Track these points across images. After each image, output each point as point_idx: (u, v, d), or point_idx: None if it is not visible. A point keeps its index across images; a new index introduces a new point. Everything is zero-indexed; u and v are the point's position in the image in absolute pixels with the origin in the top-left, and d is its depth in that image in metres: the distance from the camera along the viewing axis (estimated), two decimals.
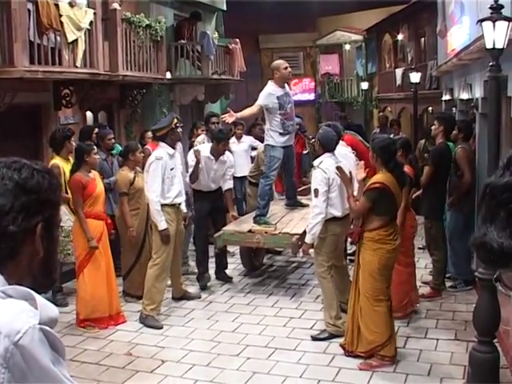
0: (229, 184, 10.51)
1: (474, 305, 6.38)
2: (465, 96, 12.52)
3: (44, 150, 11.95)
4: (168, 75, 16.07)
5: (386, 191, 6.85)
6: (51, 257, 1.98)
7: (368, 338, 6.99)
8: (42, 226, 1.89)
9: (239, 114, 9.75)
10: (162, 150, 8.70)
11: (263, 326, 8.45)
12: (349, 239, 9.44)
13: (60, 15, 10.96)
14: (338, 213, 7.85)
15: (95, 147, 8.82)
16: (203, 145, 10.65)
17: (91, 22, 11.97)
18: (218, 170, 10.16)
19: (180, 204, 9.02)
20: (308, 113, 32.07)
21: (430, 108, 22.12)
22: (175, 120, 8.85)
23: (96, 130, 11.24)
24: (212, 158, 10.02)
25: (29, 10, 10.46)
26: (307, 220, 9.67)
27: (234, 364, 7.20)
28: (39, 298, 1.77)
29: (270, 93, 9.74)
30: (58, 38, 11.15)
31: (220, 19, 21.95)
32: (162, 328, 8.39)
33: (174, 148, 8.82)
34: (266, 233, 9.59)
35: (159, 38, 15.26)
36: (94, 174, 8.69)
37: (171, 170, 8.67)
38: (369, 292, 6.96)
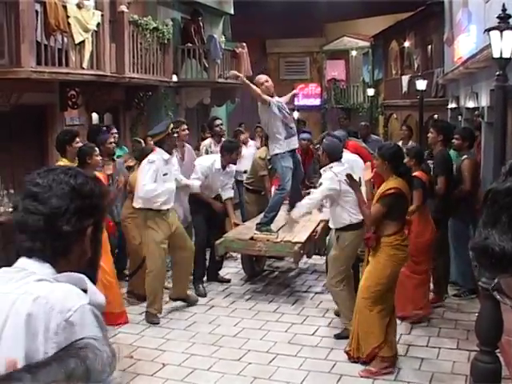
0: (229, 193, 10.52)
1: (476, 314, 6.35)
2: (471, 104, 12.52)
3: (49, 150, 11.97)
4: (174, 78, 16.10)
5: (401, 196, 6.87)
6: (97, 258, 2.19)
7: (366, 340, 7.00)
8: (92, 229, 2.09)
9: (248, 82, 9.82)
10: (157, 154, 8.66)
11: (265, 331, 8.43)
12: None
13: (67, 16, 11.01)
14: (353, 219, 7.81)
15: (97, 149, 8.65)
16: (211, 155, 10.68)
17: (98, 24, 12.02)
18: (223, 181, 10.28)
19: (168, 210, 8.81)
20: (313, 118, 32.13)
21: (436, 116, 22.10)
22: (171, 125, 8.83)
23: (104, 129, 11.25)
24: (221, 169, 10.12)
25: (36, 11, 10.50)
26: (309, 228, 9.66)
27: (235, 369, 7.18)
28: (90, 285, 1.99)
29: (274, 102, 9.60)
30: (65, 39, 11.20)
31: (227, 23, 22.00)
32: (158, 323, 8.59)
33: (170, 154, 8.77)
34: (267, 241, 9.48)
35: (166, 41, 15.30)
36: (98, 175, 8.61)
37: (164, 175, 8.63)
38: (368, 294, 6.95)
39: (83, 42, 11.52)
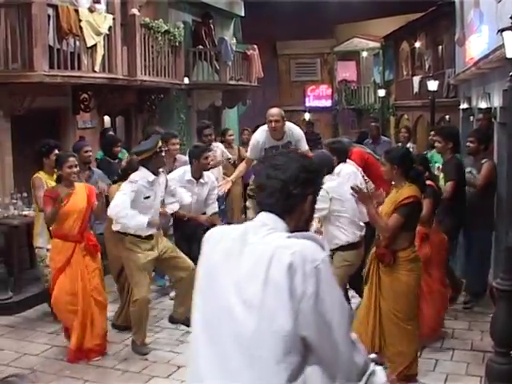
0: (213, 208, 9.24)
1: (490, 315, 6.34)
2: (483, 105, 12.47)
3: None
4: (186, 80, 16.13)
5: (418, 205, 6.48)
6: (310, 219, 2.97)
7: (396, 359, 6.57)
8: (311, 197, 2.89)
9: (233, 177, 9.29)
10: (140, 175, 7.52)
11: None
12: None
13: (80, 20, 11.07)
14: (348, 238, 7.39)
15: (72, 159, 7.67)
16: (182, 167, 9.30)
17: (110, 27, 12.07)
18: (199, 194, 9.03)
19: (151, 236, 7.70)
20: (325, 119, 32.19)
21: (447, 116, 22.07)
22: (160, 143, 7.73)
23: (119, 143, 11.04)
24: (193, 180, 8.96)
25: (49, 15, 10.56)
26: None
27: None
28: (321, 240, 2.71)
29: (258, 141, 8.93)
30: (78, 42, 11.24)
31: (238, 25, 22.05)
32: (147, 353, 7.78)
33: (156, 174, 7.61)
34: None
35: (177, 44, 15.33)
36: (79, 187, 7.74)
37: (146, 198, 7.50)
38: (401, 313, 6.48)
39: (95, 45, 11.57)
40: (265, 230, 2.75)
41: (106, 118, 13.99)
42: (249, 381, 2.57)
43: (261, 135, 8.93)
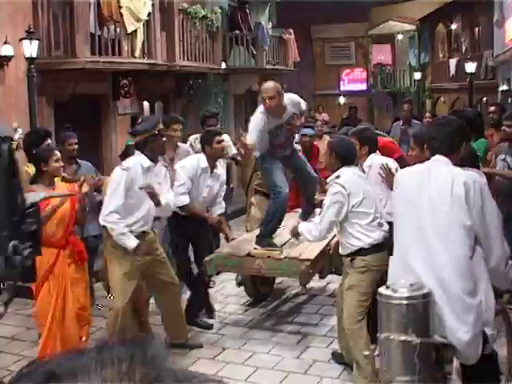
0: (221, 208, 8.25)
1: None
2: None
3: (103, 140, 12.22)
4: (223, 65, 16.23)
5: None
6: (462, 157, 4.54)
7: None
8: (464, 143, 4.53)
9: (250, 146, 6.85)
10: (135, 160, 6.64)
11: (321, 315, 8.49)
12: None
13: (120, 7, 11.21)
14: (370, 240, 6.13)
15: (58, 153, 6.51)
16: (193, 155, 8.37)
17: (149, 13, 12.17)
18: (211, 187, 7.96)
19: (145, 232, 6.80)
20: (360, 103, 31.96)
21: (485, 98, 21.89)
22: (160, 125, 6.78)
23: (139, 120, 9.27)
24: (208, 169, 7.85)
25: (90, 3, 10.72)
26: (322, 242, 7.56)
27: (294, 352, 7.26)
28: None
29: (258, 122, 7.05)
30: (118, 29, 11.38)
31: (273, 9, 22.04)
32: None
33: (153, 160, 6.67)
34: (268, 257, 7.46)
35: (215, 29, 15.40)
36: (60, 186, 6.57)
37: (140, 188, 6.52)
38: None
39: (135, 31, 11.70)
40: (442, 165, 4.32)
41: (145, 104, 14.12)
42: (446, 257, 4.11)
43: (260, 118, 7.11)
